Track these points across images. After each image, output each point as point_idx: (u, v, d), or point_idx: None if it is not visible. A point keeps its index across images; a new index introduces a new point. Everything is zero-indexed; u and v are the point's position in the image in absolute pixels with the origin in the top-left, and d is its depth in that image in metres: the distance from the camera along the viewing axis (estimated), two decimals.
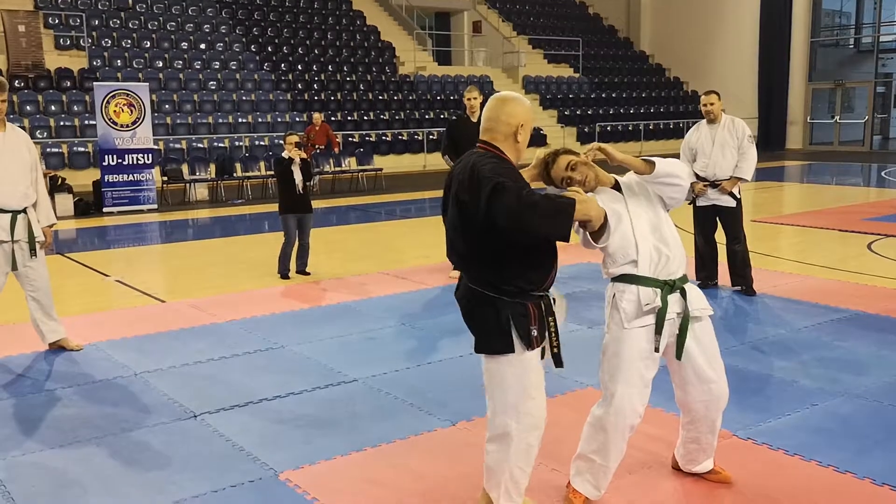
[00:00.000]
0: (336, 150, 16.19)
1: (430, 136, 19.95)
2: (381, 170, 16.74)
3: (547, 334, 2.98)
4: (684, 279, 3.17)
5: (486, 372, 3.01)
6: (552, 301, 3.01)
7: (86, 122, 16.12)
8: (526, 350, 2.91)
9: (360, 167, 16.59)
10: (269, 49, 21.00)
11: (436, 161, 17.37)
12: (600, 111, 24.27)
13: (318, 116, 15.84)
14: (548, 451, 3.75)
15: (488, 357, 2.98)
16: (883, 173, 18.09)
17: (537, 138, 21.89)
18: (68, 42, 18.56)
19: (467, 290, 3.02)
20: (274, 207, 8.75)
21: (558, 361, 3.00)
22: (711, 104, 6.69)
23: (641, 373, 3.14)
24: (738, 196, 6.77)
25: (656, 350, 3.13)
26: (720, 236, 6.88)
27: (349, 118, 19.65)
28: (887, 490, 3.37)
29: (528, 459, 3.03)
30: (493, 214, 2.73)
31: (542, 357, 3.03)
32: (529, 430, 2.99)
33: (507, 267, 2.89)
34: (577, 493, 3.27)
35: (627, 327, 3.11)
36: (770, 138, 24.73)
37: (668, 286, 3.11)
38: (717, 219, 6.87)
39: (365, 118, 19.92)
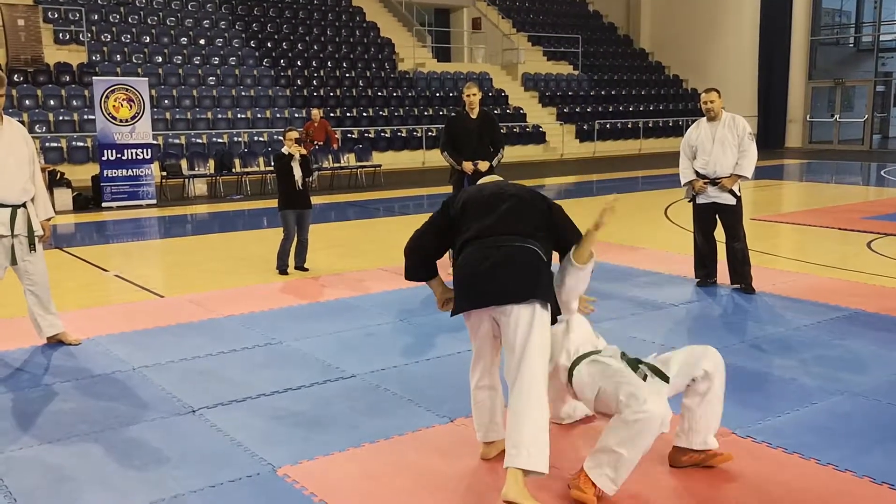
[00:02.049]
0: (335, 146, 16.18)
1: (429, 133, 19.93)
2: (379, 166, 16.74)
3: None
4: None
5: (518, 323, 3.26)
6: None
7: (85, 116, 16.09)
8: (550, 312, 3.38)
9: (359, 163, 16.58)
10: (269, 45, 20.97)
11: (435, 158, 17.35)
12: (599, 109, 24.27)
13: (316, 112, 15.82)
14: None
15: (537, 305, 3.28)
16: (882, 172, 18.09)
17: (536, 136, 21.90)
18: (67, 36, 18.53)
19: (520, 247, 3.37)
20: (273, 203, 8.75)
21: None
22: (712, 102, 6.68)
23: None
24: (739, 194, 6.77)
25: None
26: (720, 234, 6.87)
27: (348, 114, 19.63)
28: (886, 489, 3.36)
29: (546, 422, 3.26)
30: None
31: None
32: (542, 394, 3.24)
33: (549, 240, 3.51)
34: (590, 484, 3.23)
35: None
36: (769, 136, 24.73)
37: None
38: (717, 216, 6.86)
39: (364, 114, 19.90)
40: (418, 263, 3.66)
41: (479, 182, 3.82)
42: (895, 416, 4.13)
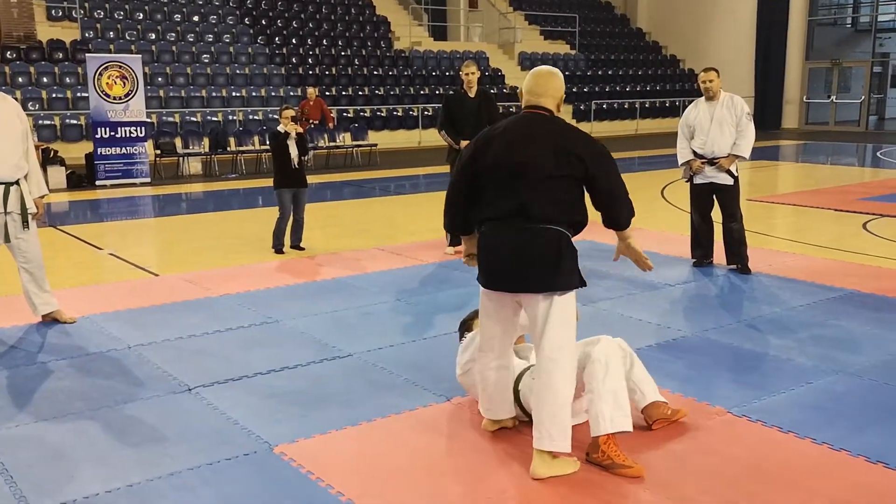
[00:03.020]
0: (330, 125, 16.10)
1: (426, 112, 19.83)
2: (375, 145, 16.66)
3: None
4: None
5: (553, 308, 3.27)
6: None
7: (78, 94, 15.97)
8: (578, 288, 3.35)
9: (355, 142, 16.51)
10: (264, 22, 20.79)
11: (431, 137, 17.28)
12: (596, 88, 24.16)
13: (312, 91, 15.73)
14: None
15: (559, 294, 3.27)
16: (879, 153, 18.09)
17: None
18: (60, 13, 18.34)
19: (554, 233, 3.27)
20: (268, 182, 8.70)
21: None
22: (711, 81, 6.64)
23: None
24: (736, 174, 6.75)
25: None
26: (716, 215, 6.86)
27: (344, 93, 19.51)
28: (881, 467, 3.38)
29: (573, 384, 3.31)
30: (602, 175, 3.28)
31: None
32: (569, 375, 3.29)
33: (577, 210, 3.32)
34: (614, 446, 3.31)
35: None
36: (766, 117, 24.66)
37: None
38: (714, 197, 6.85)
39: (360, 93, 19.78)
40: (454, 217, 3.61)
41: (501, 128, 3.45)
42: (890, 396, 4.15)
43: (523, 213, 3.27)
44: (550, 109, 3.38)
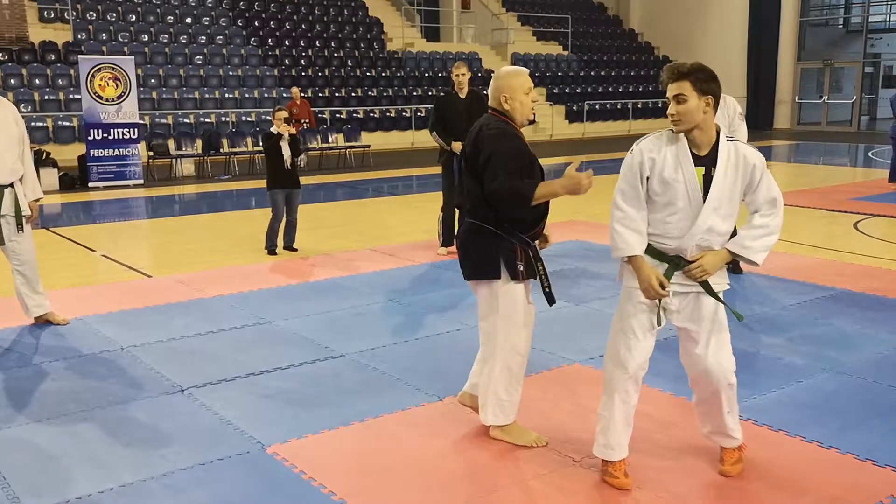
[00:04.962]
0: (311, 125, 16.06)
1: (419, 113, 19.85)
2: (368, 146, 16.67)
3: (538, 276, 3.51)
4: None
5: (480, 298, 3.59)
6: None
7: (70, 95, 15.93)
8: (511, 280, 3.45)
9: (348, 143, 16.51)
10: (257, 24, 20.78)
11: (424, 138, 17.29)
12: (589, 89, 24.21)
13: (296, 91, 15.77)
14: (536, 426, 3.77)
15: (483, 283, 3.52)
16: (870, 153, 18.16)
17: None
18: (52, 15, 18.30)
19: (468, 225, 3.55)
20: (261, 183, 8.72)
21: (551, 299, 3.55)
22: None
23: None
24: None
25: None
26: None
27: (337, 94, 19.52)
28: (870, 465, 3.40)
29: (511, 381, 3.54)
30: (483, 176, 3.43)
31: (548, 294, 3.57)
32: (511, 355, 3.52)
33: (483, 203, 3.45)
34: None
35: None
36: (758, 118, 24.75)
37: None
38: None
39: (353, 94, 19.78)
40: None
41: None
42: (879, 394, 4.18)
43: (464, 203, 3.65)
44: (495, 108, 3.56)
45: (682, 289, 3.17)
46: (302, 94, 16.20)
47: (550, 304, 3.57)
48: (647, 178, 3.10)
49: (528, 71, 3.63)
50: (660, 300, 3.14)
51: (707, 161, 3.08)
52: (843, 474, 3.34)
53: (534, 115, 3.69)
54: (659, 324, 3.18)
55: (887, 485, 3.24)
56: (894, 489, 3.21)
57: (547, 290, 3.54)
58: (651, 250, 3.16)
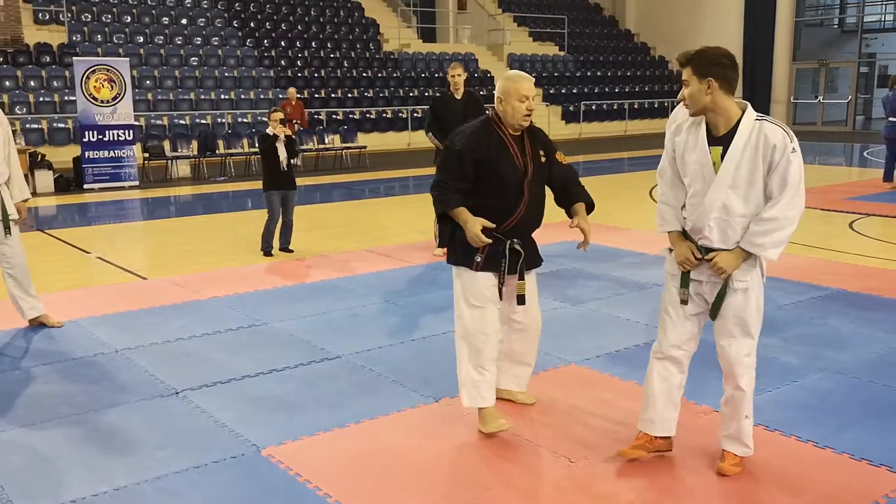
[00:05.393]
0: (303, 126, 16.00)
1: (415, 114, 19.83)
2: (365, 147, 16.65)
3: (500, 272, 3.62)
4: None
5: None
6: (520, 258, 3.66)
7: (66, 97, 15.90)
8: (470, 269, 3.63)
9: (344, 144, 16.50)
10: (252, 25, 20.76)
11: (420, 139, 17.26)
12: (585, 90, 24.22)
13: (292, 91, 15.76)
14: (531, 426, 3.76)
15: (452, 268, 3.74)
16: (865, 153, 18.20)
17: None
18: (48, 17, 18.26)
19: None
20: (257, 185, 8.69)
21: (520, 300, 3.72)
22: None
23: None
24: None
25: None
26: None
27: (333, 95, 19.50)
28: (865, 465, 3.40)
29: (471, 361, 3.68)
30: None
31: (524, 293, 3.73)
32: (460, 337, 3.71)
33: (473, 200, 3.62)
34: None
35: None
36: None
37: None
38: None
39: (349, 95, 19.77)
40: None
41: None
42: (874, 394, 4.18)
43: None
44: (495, 109, 3.73)
45: (705, 277, 3.24)
46: (298, 96, 16.18)
47: (519, 304, 3.75)
48: (674, 160, 3.25)
49: (530, 78, 3.68)
50: (688, 284, 3.24)
51: (725, 140, 3.11)
52: (838, 474, 3.33)
53: (530, 121, 3.72)
54: (684, 302, 3.27)
55: (882, 484, 3.24)
56: (889, 489, 3.20)
57: (501, 285, 3.65)
58: (685, 233, 3.25)
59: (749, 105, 3.15)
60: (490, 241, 3.56)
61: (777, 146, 3.01)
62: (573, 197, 3.78)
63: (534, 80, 3.71)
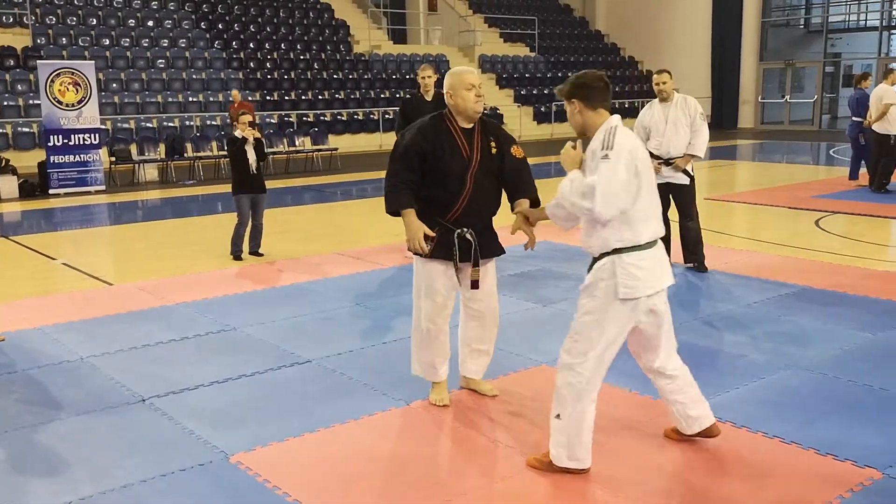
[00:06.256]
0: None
1: (386, 116, 19.79)
2: (336, 149, 16.58)
3: (453, 258, 3.80)
4: None
5: None
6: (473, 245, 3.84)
7: (30, 101, 15.65)
8: (420, 257, 3.84)
9: (315, 147, 16.41)
10: (220, 26, 20.59)
11: (391, 140, 17.22)
12: (556, 90, 24.28)
13: (236, 93, 15.55)
14: (503, 428, 3.76)
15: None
16: (831, 152, 18.46)
17: (493, 118, 21.88)
18: (11, 19, 17.98)
19: None
20: (226, 188, 8.62)
21: (474, 285, 3.89)
22: (664, 83, 6.73)
23: None
24: (692, 173, 6.83)
25: None
26: (673, 214, 6.93)
27: (303, 97, 19.40)
28: (830, 459, 3.44)
29: (420, 345, 4.01)
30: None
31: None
32: (414, 322, 4.01)
33: (423, 189, 3.85)
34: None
35: None
36: (723, 118, 25.06)
37: None
38: (670, 196, 6.92)
39: (319, 97, 19.68)
40: None
41: None
42: (840, 390, 4.23)
43: None
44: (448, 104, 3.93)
45: None
46: (249, 99, 15.83)
47: (472, 289, 3.91)
48: None
49: (472, 69, 3.93)
50: None
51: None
52: (805, 468, 3.37)
53: (484, 107, 3.91)
54: None
55: (848, 478, 3.28)
56: (854, 482, 3.24)
57: (457, 272, 3.85)
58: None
59: (614, 118, 3.30)
60: (427, 248, 3.79)
61: (595, 151, 3.21)
62: (518, 192, 3.90)
63: (477, 72, 3.90)
